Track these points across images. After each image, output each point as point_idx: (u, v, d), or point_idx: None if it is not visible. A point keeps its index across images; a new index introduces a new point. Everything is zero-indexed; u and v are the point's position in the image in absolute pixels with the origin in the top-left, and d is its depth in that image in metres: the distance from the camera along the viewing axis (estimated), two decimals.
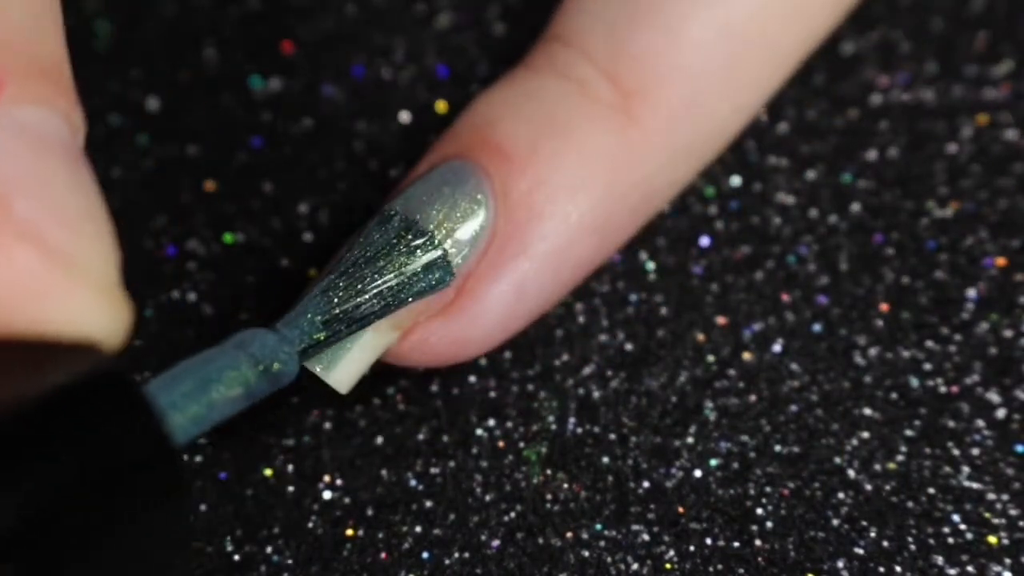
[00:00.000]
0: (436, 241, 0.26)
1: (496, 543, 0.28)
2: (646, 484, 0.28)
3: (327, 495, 0.28)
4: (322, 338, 0.25)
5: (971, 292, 0.30)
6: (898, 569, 0.28)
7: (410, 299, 0.26)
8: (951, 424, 0.29)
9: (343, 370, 0.26)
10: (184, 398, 0.20)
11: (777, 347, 0.30)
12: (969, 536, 0.28)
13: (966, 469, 0.29)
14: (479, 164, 0.27)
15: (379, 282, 0.26)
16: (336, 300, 0.25)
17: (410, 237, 0.26)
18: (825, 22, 0.29)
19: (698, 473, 0.29)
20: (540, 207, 0.27)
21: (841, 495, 0.28)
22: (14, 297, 0.17)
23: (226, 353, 0.22)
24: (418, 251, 0.26)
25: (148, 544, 0.18)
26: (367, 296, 0.25)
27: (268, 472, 0.29)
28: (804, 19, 0.28)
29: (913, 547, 0.28)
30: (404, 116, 0.32)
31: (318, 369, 0.26)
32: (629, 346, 0.30)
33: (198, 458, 0.29)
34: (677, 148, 0.28)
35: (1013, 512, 0.28)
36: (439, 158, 0.28)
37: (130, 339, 0.19)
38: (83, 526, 0.17)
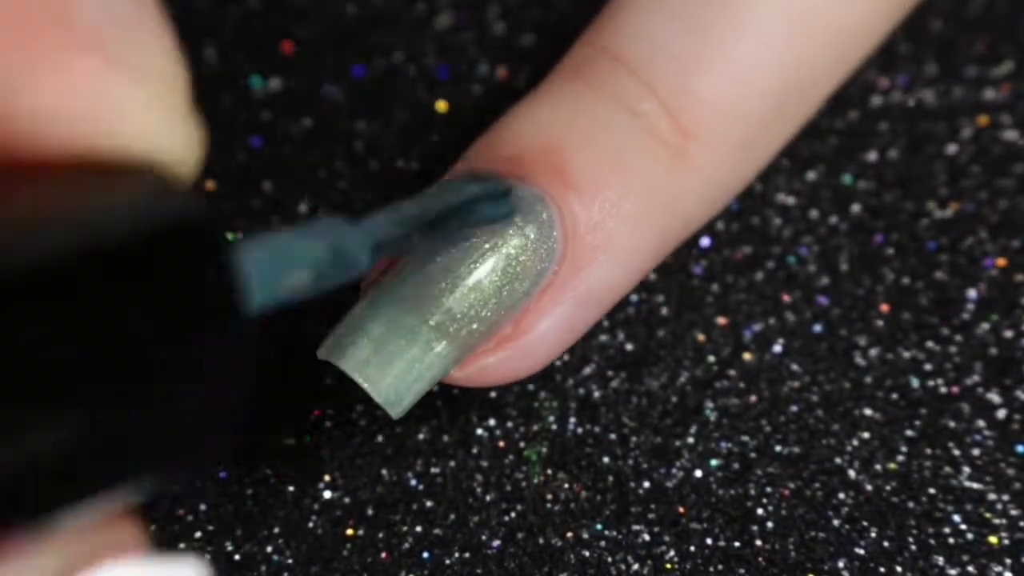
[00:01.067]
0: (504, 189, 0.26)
1: (496, 543, 0.28)
2: (647, 484, 0.28)
3: (327, 495, 0.28)
4: (395, 234, 0.24)
5: (971, 292, 0.30)
6: (899, 569, 0.28)
7: (474, 222, 0.25)
8: (952, 424, 0.29)
9: (401, 395, 0.26)
10: (257, 264, 0.19)
11: (777, 347, 0.30)
12: (970, 536, 0.28)
13: (967, 469, 0.29)
14: (549, 192, 0.26)
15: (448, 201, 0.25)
16: (409, 207, 0.25)
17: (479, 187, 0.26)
18: (863, 55, 0.29)
19: (699, 473, 0.29)
20: (602, 245, 0.27)
21: (842, 495, 0.28)
22: (79, 110, 0.16)
23: (300, 233, 0.21)
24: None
25: (206, 391, 0.17)
26: (437, 208, 0.25)
27: (268, 472, 0.29)
28: (844, 63, 0.29)
29: (914, 547, 0.28)
30: (404, 116, 0.32)
31: (376, 396, 0.25)
32: (629, 346, 0.30)
33: None
34: (723, 187, 0.28)
35: (1014, 512, 0.28)
36: (504, 174, 0.27)
37: (201, 170, 0.18)
38: (144, 367, 0.16)
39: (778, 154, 0.31)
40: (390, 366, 0.25)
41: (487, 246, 0.26)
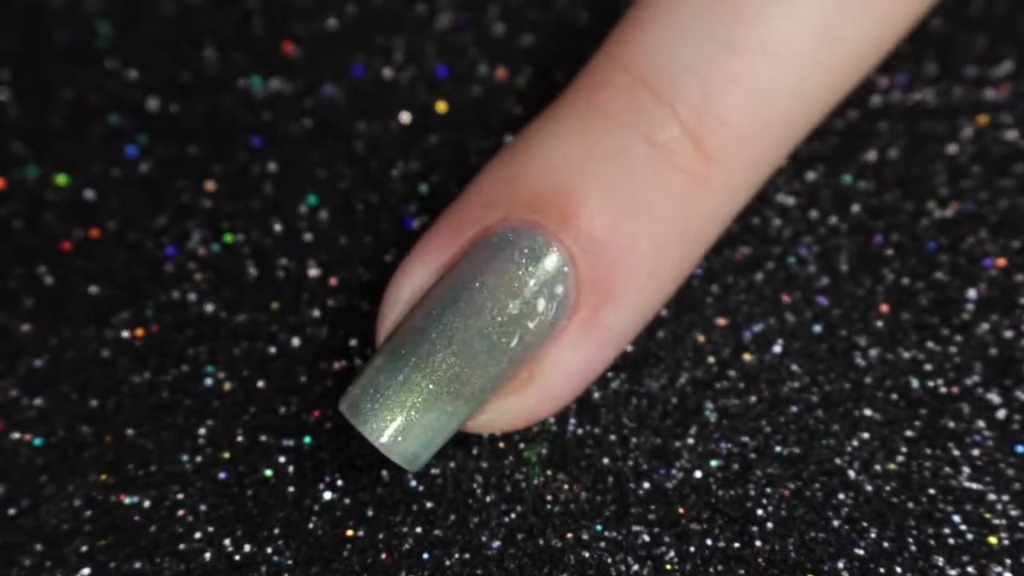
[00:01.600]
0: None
1: (496, 544, 0.28)
2: (646, 485, 0.28)
3: (327, 495, 0.28)
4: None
5: (971, 293, 0.30)
6: (898, 570, 0.28)
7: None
8: (951, 425, 0.29)
9: (420, 454, 0.26)
10: None
11: (777, 348, 0.30)
12: (970, 537, 0.28)
13: (966, 470, 0.29)
14: (560, 239, 0.26)
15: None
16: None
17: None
18: (868, 73, 0.29)
19: (698, 474, 0.29)
20: (618, 291, 0.26)
21: (841, 496, 0.28)
22: None
23: None
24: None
25: None
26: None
27: (268, 472, 0.29)
28: (856, 77, 0.29)
29: (914, 548, 0.28)
30: (404, 116, 0.32)
31: (398, 460, 0.26)
32: (629, 347, 0.30)
33: (198, 458, 0.29)
34: (737, 205, 0.28)
35: (1013, 512, 0.28)
36: (514, 221, 0.26)
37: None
38: None
39: None
40: (411, 434, 0.25)
41: (498, 295, 0.26)
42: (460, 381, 0.25)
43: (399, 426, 0.25)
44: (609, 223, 0.26)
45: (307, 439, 0.29)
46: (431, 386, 0.25)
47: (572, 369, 0.26)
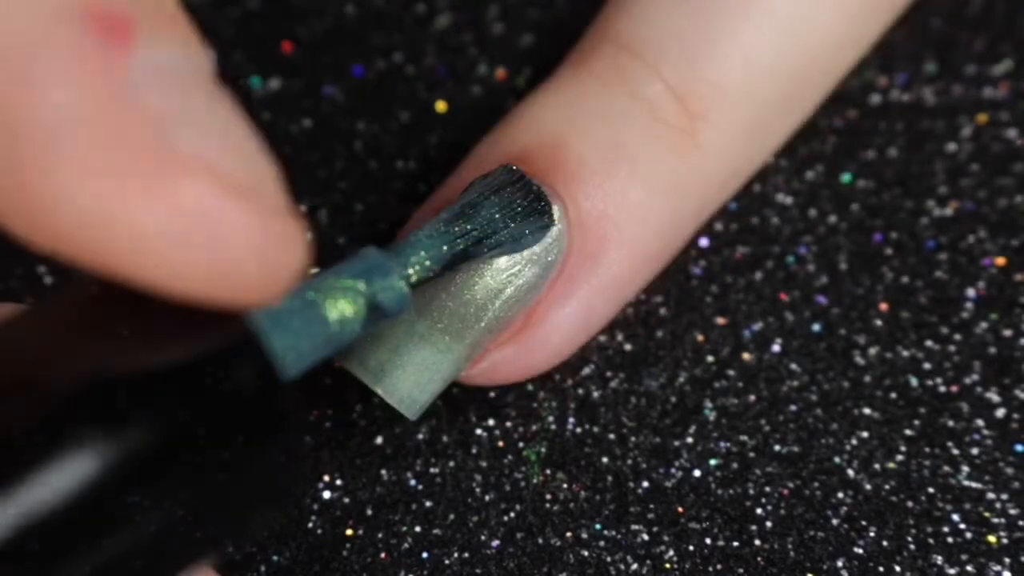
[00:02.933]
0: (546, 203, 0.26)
1: (496, 543, 0.28)
2: (645, 484, 0.28)
3: (327, 495, 0.28)
4: (433, 271, 0.24)
5: (971, 292, 0.30)
6: (898, 569, 0.28)
7: (513, 241, 0.26)
8: (951, 424, 0.29)
9: (415, 396, 0.26)
10: (294, 334, 0.20)
11: (776, 347, 0.30)
12: (969, 535, 0.28)
13: (966, 469, 0.29)
14: (552, 187, 0.26)
15: (487, 219, 0.25)
16: (445, 232, 0.25)
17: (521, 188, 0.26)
18: (870, 41, 0.30)
19: (698, 473, 0.29)
20: (611, 235, 0.27)
21: (841, 495, 0.28)
22: (193, 232, 0.17)
23: (336, 286, 0.22)
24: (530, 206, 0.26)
25: (263, 473, 0.19)
26: (475, 232, 0.25)
27: None
28: (851, 49, 0.29)
29: (913, 547, 0.28)
30: (404, 116, 0.32)
31: (381, 391, 0.26)
32: (628, 346, 0.30)
33: None
34: (734, 171, 0.28)
35: (1013, 511, 0.28)
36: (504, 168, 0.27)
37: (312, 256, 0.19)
38: (201, 460, 0.18)
39: (777, 154, 0.31)
40: (404, 374, 0.25)
41: (491, 243, 0.26)
42: (454, 321, 0.26)
43: (392, 365, 0.25)
44: (598, 170, 0.27)
45: (307, 439, 0.29)
46: (423, 326, 0.25)
47: (566, 319, 0.27)
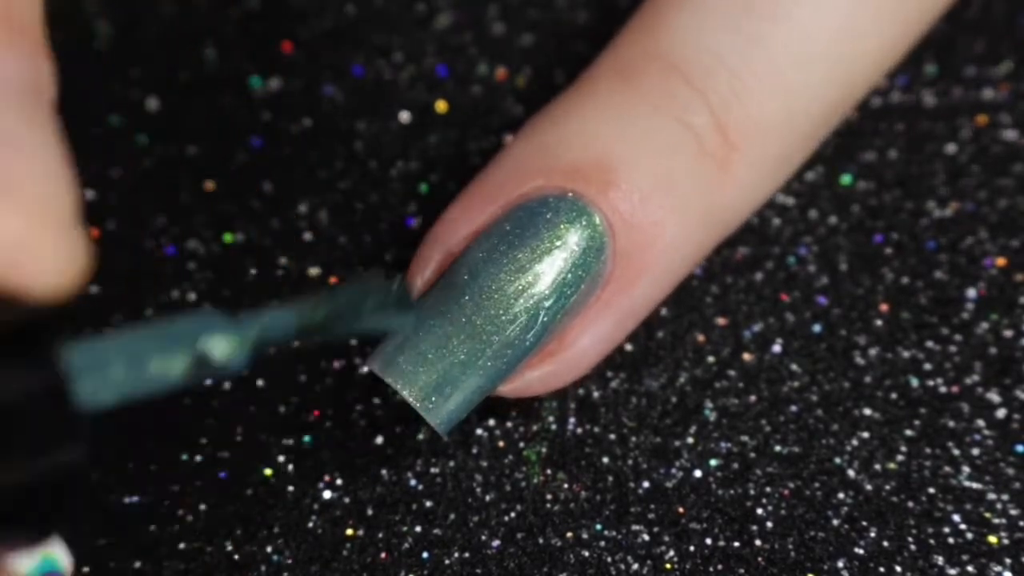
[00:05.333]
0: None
1: (496, 543, 0.28)
2: (646, 484, 0.28)
3: (327, 495, 0.28)
4: (278, 336, 0.23)
5: (971, 292, 0.30)
6: (898, 569, 0.28)
7: (368, 329, 0.25)
8: (951, 424, 0.29)
9: (453, 418, 0.26)
10: (105, 366, 0.20)
11: (777, 347, 0.30)
12: (969, 536, 0.28)
13: (966, 469, 0.29)
14: (597, 206, 0.26)
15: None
16: (297, 309, 0.24)
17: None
18: (886, 73, 0.30)
19: (698, 473, 0.29)
20: (649, 265, 0.27)
21: (841, 495, 0.28)
22: None
23: (166, 335, 0.21)
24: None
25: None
26: (326, 313, 0.24)
27: (268, 472, 0.29)
28: (876, 77, 0.29)
29: (913, 547, 0.28)
30: (404, 116, 0.32)
31: (418, 405, 0.26)
32: (629, 346, 0.30)
33: (198, 458, 0.29)
34: (758, 199, 0.29)
35: (1013, 512, 0.28)
36: (552, 188, 0.27)
37: (84, 287, 0.19)
38: None
39: None
40: (448, 394, 0.26)
41: (535, 262, 0.26)
42: (496, 344, 0.26)
43: (437, 386, 0.26)
44: (645, 197, 0.27)
45: (306, 438, 0.29)
46: (468, 348, 0.26)
47: (599, 339, 0.27)
